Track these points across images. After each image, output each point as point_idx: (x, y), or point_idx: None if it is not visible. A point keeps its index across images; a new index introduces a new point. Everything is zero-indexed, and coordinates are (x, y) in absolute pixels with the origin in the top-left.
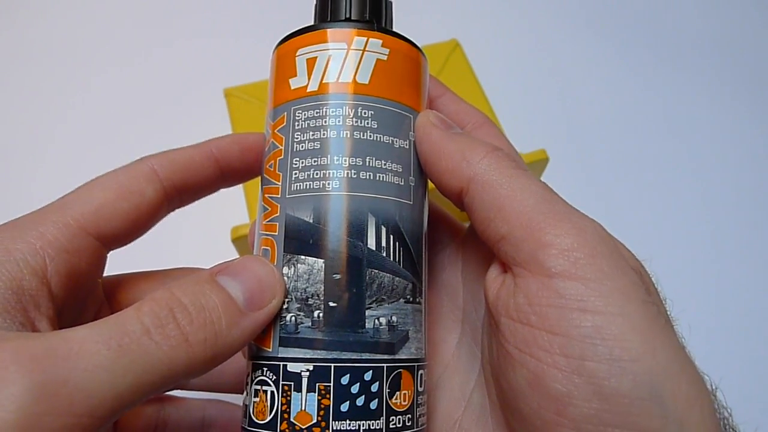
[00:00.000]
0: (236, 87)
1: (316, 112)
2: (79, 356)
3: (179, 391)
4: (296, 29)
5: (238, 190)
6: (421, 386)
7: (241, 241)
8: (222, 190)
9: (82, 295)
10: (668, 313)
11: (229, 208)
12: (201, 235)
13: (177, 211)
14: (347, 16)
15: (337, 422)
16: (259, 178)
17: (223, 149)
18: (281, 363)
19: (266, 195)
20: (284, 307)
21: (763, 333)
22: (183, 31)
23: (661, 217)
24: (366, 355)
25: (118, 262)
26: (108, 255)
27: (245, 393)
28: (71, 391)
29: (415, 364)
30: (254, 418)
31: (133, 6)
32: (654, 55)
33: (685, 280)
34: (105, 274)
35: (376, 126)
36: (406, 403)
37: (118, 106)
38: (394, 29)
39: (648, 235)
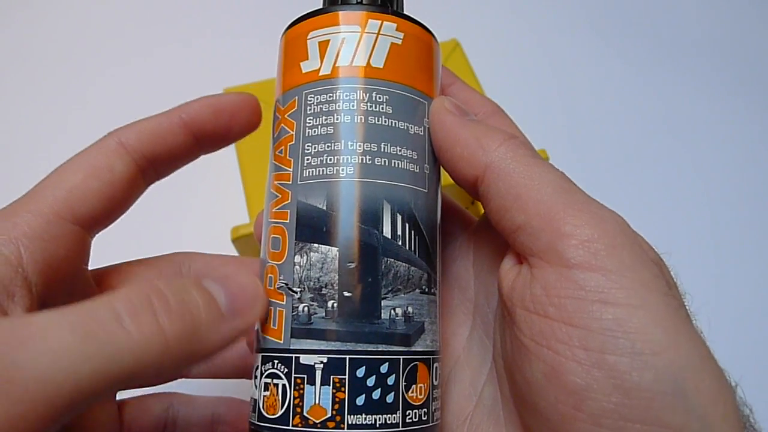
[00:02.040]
0: (236, 87)
1: (329, 96)
2: (39, 339)
3: (187, 384)
4: (306, 12)
5: (238, 190)
6: (436, 380)
7: (241, 241)
8: (222, 191)
9: (67, 282)
10: (688, 307)
11: (229, 208)
12: (201, 235)
13: (177, 211)
14: None
15: (352, 416)
16: (267, 167)
17: (194, 114)
18: (293, 355)
19: (276, 182)
20: (297, 297)
21: None
22: (183, 31)
23: (661, 215)
24: (382, 347)
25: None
26: (93, 240)
27: (253, 387)
28: (26, 376)
29: (431, 356)
30: (264, 413)
31: (134, 6)
32: (654, 55)
33: (697, 276)
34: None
35: (391, 111)
36: (422, 396)
37: (118, 106)
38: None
39: (649, 234)
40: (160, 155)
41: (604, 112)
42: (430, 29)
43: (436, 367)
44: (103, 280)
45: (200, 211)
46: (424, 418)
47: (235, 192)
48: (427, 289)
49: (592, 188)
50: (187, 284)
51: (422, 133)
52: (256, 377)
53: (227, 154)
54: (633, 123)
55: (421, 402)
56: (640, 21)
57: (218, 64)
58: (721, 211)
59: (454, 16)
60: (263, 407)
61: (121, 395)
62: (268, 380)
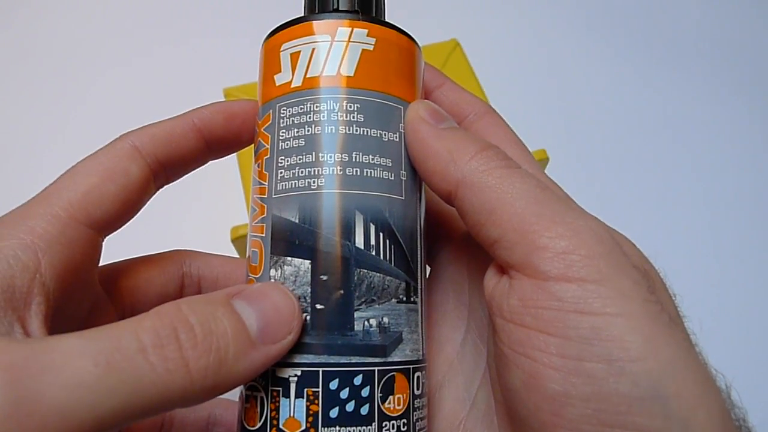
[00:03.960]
0: (236, 87)
1: (301, 108)
2: (60, 370)
3: None
4: (283, 22)
5: (238, 190)
6: (418, 389)
7: (241, 241)
8: (222, 191)
9: (79, 287)
10: (678, 309)
11: (229, 208)
12: (201, 235)
13: (177, 210)
14: (335, 6)
15: (326, 428)
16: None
17: (206, 119)
18: (270, 368)
19: (255, 196)
20: None
21: None
22: (183, 31)
23: (662, 215)
24: (355, 359)
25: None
26: (104, 245)
27: (239, 398)
28: (46, 410)
29: (411, 366)
30: (246, 425)
31: (134, 6)
32: (654, 55)
33: (690, 277)
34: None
35: (362, 119)
36: (400, 407)
37: (118, 106)
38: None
39: (648, 234)
40: (172, 159)
41: (603, 112)
42: (408, 32)
43: (418, 377)
44: (108, 280)
45: (200, 211)
46: (402, 429)
47: (235, 192)
48: (405, 299)
49: (591, 188)
50: (216, 309)
51: (398, 140)
52: (241, 389)
53: None
54: (632, 123)
55: (399, 413)
56: (640, 21)
57: (218, 64)
58: (720, 211)
59: (454, 16)
60: (245, 419)
61: None
62: (249, 392)
